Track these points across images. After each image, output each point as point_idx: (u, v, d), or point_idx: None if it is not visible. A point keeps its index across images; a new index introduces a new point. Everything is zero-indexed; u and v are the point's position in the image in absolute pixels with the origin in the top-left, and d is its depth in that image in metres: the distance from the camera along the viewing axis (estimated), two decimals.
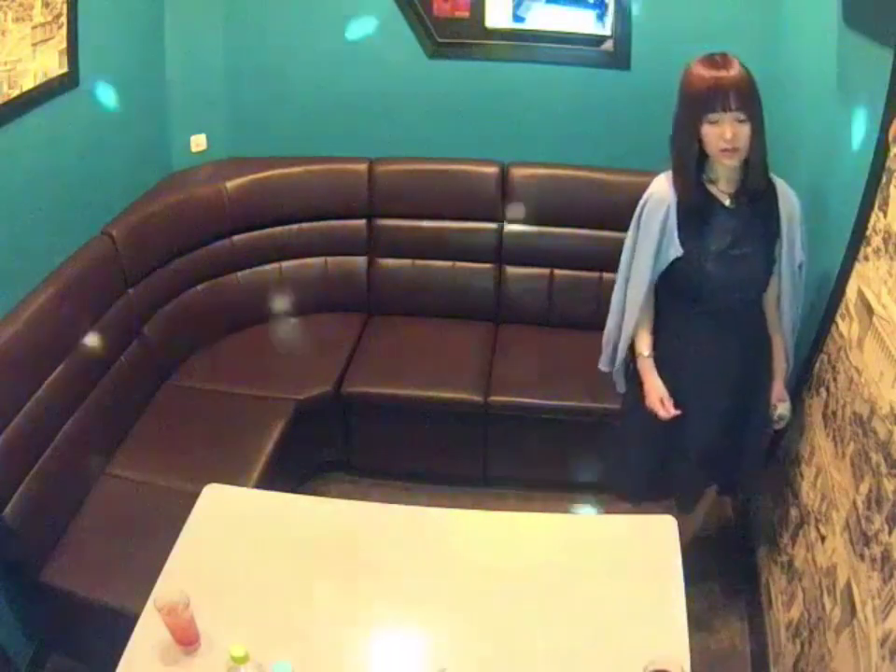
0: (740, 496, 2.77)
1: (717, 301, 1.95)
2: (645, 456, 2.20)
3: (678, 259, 1.93)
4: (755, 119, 1.79)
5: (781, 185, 1.92)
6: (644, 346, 2.07)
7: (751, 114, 1.78)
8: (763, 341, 2.07)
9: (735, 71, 1.76)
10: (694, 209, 1.91)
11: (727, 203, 1.91)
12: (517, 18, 2.93)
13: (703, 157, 1.88)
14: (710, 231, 1.91)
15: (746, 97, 1.76)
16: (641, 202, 1.99)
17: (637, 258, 2.00)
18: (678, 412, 2.03)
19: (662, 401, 2.04)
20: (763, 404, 2.12)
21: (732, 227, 1.90)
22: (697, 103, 1.78)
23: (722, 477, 2.25)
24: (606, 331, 2.18)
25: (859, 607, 1.64)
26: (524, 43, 2.95)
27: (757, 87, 1.79)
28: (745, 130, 1.78)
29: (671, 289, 2.00)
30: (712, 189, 1.91)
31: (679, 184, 1.91)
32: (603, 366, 2.23)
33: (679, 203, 1.91)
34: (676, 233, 1.91)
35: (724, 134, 1.77)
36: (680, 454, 2.14)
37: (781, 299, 2.00)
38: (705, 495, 2.34)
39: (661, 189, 1.94)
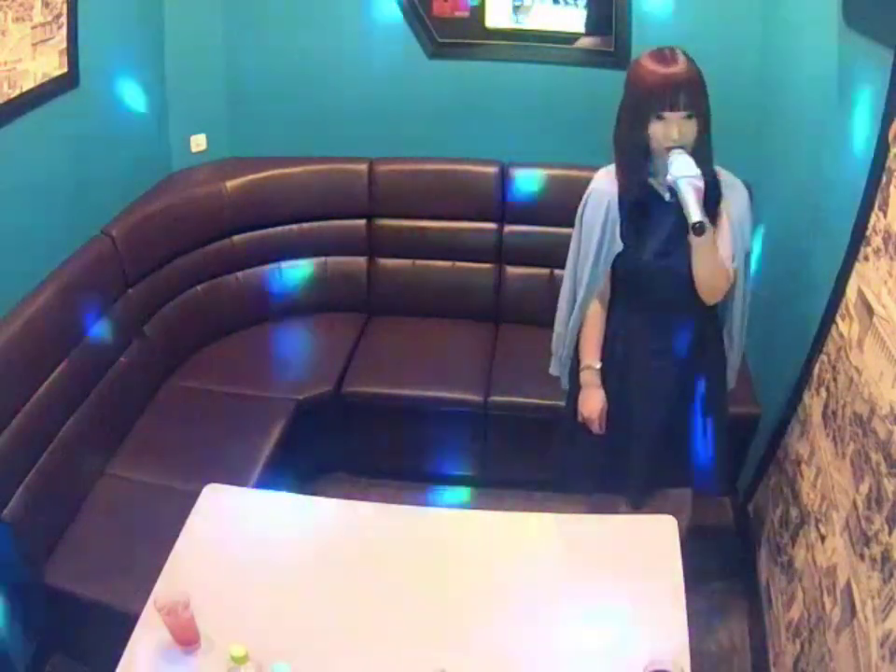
0: (740, 496, 2.77)
1: (658, 293, 1.95)
2: (594, 451, 2.16)
3: (619, 255, 1.92)
4: (702, 115, 1.78)
5: (727, 176, 1.90)
6: (594, 358, 2.05)
7: (699, 111, 1.76)
8: (712, 334, 2.05)
9: (683, 67, 1.74)
10: (636, 204, 1.90)
11: (667, 197, 1.89)
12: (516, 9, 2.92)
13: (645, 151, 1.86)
14: (650, 225, 1.91)
15: (694, 95, 1.74)
16: (583, 200, 1.98)
17: (582, 257, 1.99)
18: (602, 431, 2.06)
19: (599, 417, 2.05)
20: (716, 402, 2.10)
21: (670, 220, 1.89)
22: (646, 100, 1.75)
23: (678, 480, 2.21)
24: (555, 335, 2.15)
25: (859, 607, 1.64)
26: (524, 43, 2.95)
27: (705, 82, 1.77)
28: (692, 126, 1.76)
29: (613, 284, 2.00)
30: (652, 182, 1.90)
31: (626, 180, 1.89)
32: (555, 371, 2.21)
33: (620, 199, 1.90)
34: (618, 229, 1.91)
35: (671, 133, 1.75)
36: (625, 452, 2.10)
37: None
38: (677, 498, 2.29)
39: (602, 185, 1.94)
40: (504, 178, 3.04)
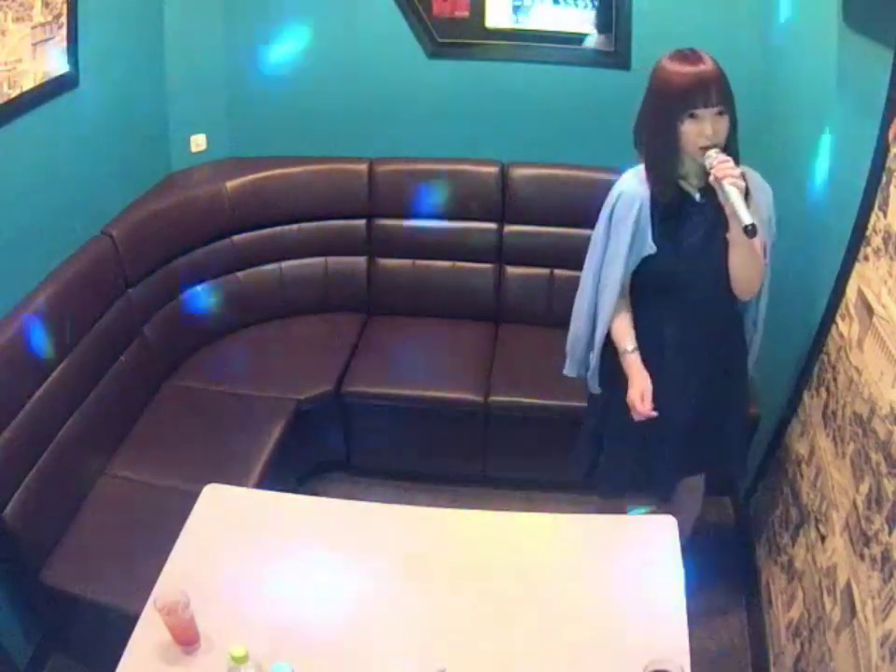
0: (740, 496, 2.77)
1: (688, 294, 1.95)
2: (625, 452, 2.17)
3: (650, 257, 1.92)
4: (732, 112, 1.78)
5: (751, 174, 1.89)
6: (628, 341, 2.03)
7: (729, 108, 1.77)
8: (735, 327, 2.07)
9: (711, 65, 1.75)
10: (668, 206, 1.89)
11: (697, 197, 1.89)
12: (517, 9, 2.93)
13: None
14: (681, 226, 1.91)
15: (724, 91, 1.75)
16: (610, 201, 1.96)
17: (609, 259, 1.97)
18: (654, 413, 2.00)
19: (643, 397, 2.01)
20: (739, 390, 2.12)
21: (702, 221, 1.89)
22: (678, 99, 1.75)
23: (703, 465, 2.24)
24: (571, 336, 2.14)
25: (859, 607, 1.64)
26: (524, 43, 2.95)
27: (728, 79, 1.77)
28: (724, 124, 1.77)
29: (641, 284, 1.99)
30: (682, 184, 1.90)
31: (658, 182, 1.88)
32: (570, 372, 2.20)
33: (652, 201, 1.90)
34: (649, 231, 1.90)
35: (705, 131, 1.75)
36: (658, 443, 2.11)
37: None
38: (692, 491, 2.32)
39: (631, 187, 1.92)
40: (504, 178, 3.04)
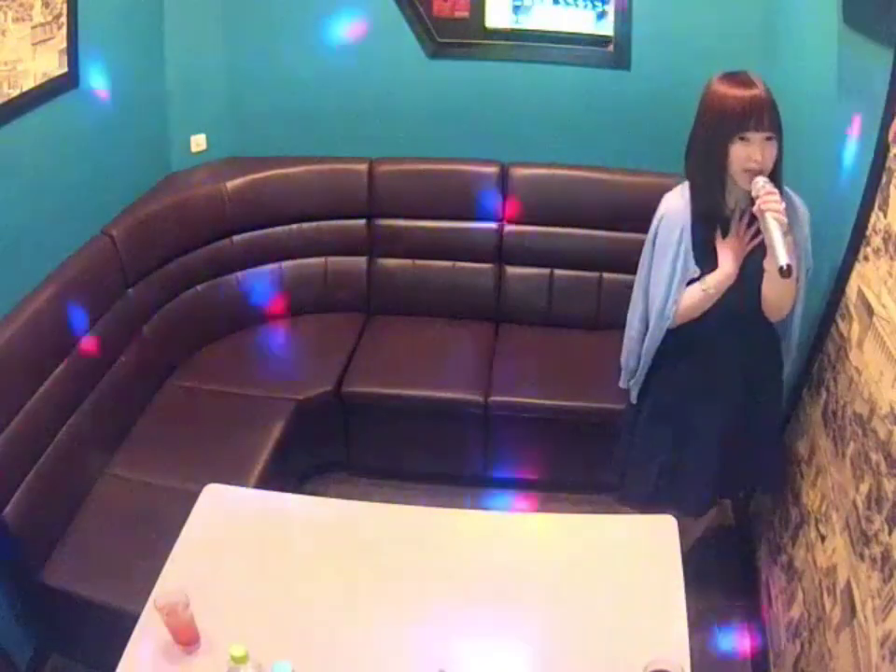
0: (741, 495, 2.77)
1: (726, 314, 1.94)
2: (653, 466, 2.17)
3: (692, 279, 1.92)
4: (780, 139, 1.78)
5: (791, 196, 1.89)
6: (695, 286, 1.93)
7: (778, 135, 1.77)
8: (771, 346, 2.06)
9: (764, 90, 1.75)
10: (709, 228, 1.90)
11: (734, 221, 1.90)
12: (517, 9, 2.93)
13: None
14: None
15: (775, 118, 1.76)
16: (655, 221, 1.97)
17: (654, 281, 1.98)
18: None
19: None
20: (772, 414, 2.13)
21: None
22: (730, 122, 1.75)
23: (733, 488, 2.24)
24: (625, 349, 2.14)
25: (859, 607, 1.64)
26: (524, 43, 2.95)
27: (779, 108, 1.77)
28: (772, 150, 1.77)
29: None
30: (722, 208, 1.90)
31: (701, 204, 1.89)
32: (624, 384, 2.20)
33: (693, 223, 1.90)
34: (691, 253, 1.91)
35: (754, 155, 1.75)
36: (687, 461, 2.12)
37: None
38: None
39: (674, 208, 1.93)
40: (504, 178, 3.04)
